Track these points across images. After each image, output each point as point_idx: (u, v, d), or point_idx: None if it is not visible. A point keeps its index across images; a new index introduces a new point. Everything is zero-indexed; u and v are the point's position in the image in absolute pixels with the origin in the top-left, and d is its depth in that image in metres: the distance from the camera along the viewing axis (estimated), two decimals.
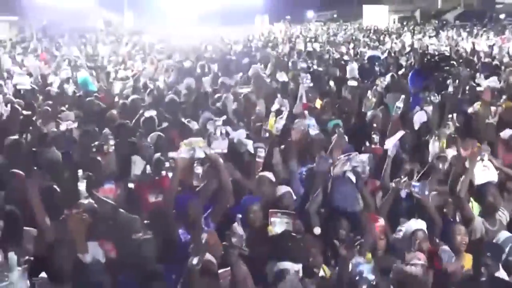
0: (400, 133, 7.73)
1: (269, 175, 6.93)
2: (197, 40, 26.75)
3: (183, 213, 5.82)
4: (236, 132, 7.45)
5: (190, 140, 6.02)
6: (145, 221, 6.13)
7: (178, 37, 28.35)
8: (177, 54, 21.09)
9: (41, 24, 35.00)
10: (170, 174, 6.73)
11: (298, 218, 6.09)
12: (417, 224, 6.01)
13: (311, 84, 11.29)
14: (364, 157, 6.62)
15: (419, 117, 9.59)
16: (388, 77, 13.20)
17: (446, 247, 6.11)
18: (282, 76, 13.01)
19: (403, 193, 6.62)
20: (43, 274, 4.44)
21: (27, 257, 4.24)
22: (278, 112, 9.82)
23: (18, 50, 27.69)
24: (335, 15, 51.12)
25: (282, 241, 5.22)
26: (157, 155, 7.49)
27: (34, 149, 8.33)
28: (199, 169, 7.35)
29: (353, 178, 6.35)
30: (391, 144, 7.50)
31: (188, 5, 38.12)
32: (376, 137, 8.51)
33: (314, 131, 8.89)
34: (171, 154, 6.10)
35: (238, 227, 4.92)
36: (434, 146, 8.26)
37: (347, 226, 5.99)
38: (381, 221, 6.29)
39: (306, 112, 9.97)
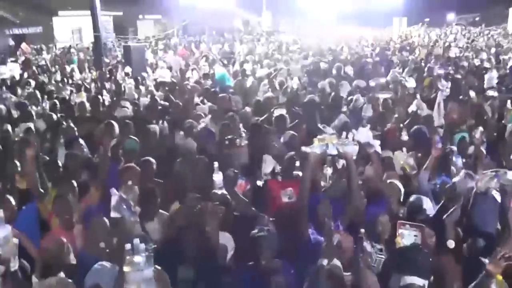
0: None
1: (399, 184, 6.69)
2: (334, 41, 26.58)
3: (313, 212, 5.74)
4: (363, 132, 7.23)
5: (324, 136, 5.89)
6: (272, 219, 6.12)
7: (315, 38, 28.32)
8: (313, 55, 21.09)
9: (182, 23, 36.48)
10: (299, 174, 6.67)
11: (427, 231, 5.80)
12: None
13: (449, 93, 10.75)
14: None
15: None
16: None
17: None
18: (411, 82, 12.51)
19: None
20: None
21: (151, 244, 4.36)
22: (415, 116, 9.56)
23: (160, 46, 29.09)
24: (477, 18, 48.58)
25: (410, 254, 4.98)
26: (290, 153, 7.45)
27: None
28: (329, 170, 7.27)
29: (498, 197, 5.90)
30: None
31: (325, 6, 38.01)
32: None
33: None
34: (304, 148, 5.99)
35: (367, 244, 4.79)
36: None
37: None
38: None
39: None
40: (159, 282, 3.89)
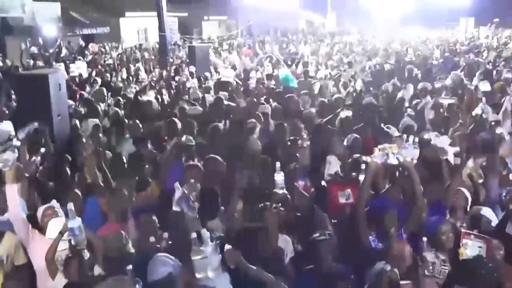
0: None
1: (466, 192, 6.47)
2: (399, 42, 26.17)
3: (377, 219, 5.64)
4: (439, 138, 7.07)
5: (384, 145, 5.83)
6: (333, 221, 6.05)
7: (379, 39, 27.97)
8: (378, 56, 20.82)
9: (247, 24, 36.70)
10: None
11: (495, 243, 5.57)
12: None
13: None
14: None
15: None
16: None
17: None
18: (485, 86, 12.12)
19: None
20: None
21: (218, 234, 4.47)
22: (480, 119, 9.26)
23: (224, 46, 29.34)
24: None
25: (473, 266, 4.80)
26: (355, 156, 7.35)
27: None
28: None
29: None
30: None
31: (391, 6, 37.48)
32: None
33: None
34: (364, 158, 5.94)
35: (429, 254, 4.68)
36: None
37: None
38: None
39: None
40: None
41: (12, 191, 5.33)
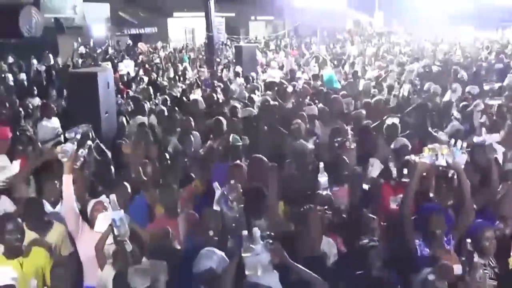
0: None
1: None
2: (447, 43, 25.72)
3: (423, 223, 5.47)
4: (489, 136, 6.88)
5: (435, 145, 5.69)
6: (383, 223, 5.96)
7: (427, 39, 27.55)
8: (425, 57, 20.50)
9: (294, 24, 36.67)
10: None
11: None
12: None
13: None
14: None
15: None
16: None
17: None
18: None
19: None
20: None
21: (268, 232, 4.51)
22: None
23: (271, 46, 29.38)
24: None
25: None
26: (407, 158, 7.19)
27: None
28: None
29: None
30: None
31: (440, 6, 36.77)
32: None
33: None
34: (412, 157, 5.82)
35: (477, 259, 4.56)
36: None
37: None
38: None
39: None
40: None
41: (69, 181, 5.44)
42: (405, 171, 6.61)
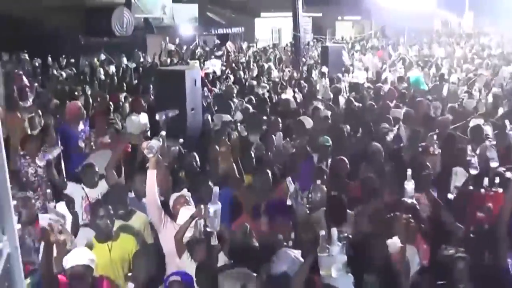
0: None
1: None
2: None
3: None
4: None
5: None
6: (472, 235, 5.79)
7: None
8: None
9: (381, 24, 36.12)
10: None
11: None
12: None
13: None
14: None
15: None
16: None
17: None
18: None
19: None
20: None
21: (346, 234, 4.52)
22: None
23: (357, 47, 29.07)
24: None
25: None
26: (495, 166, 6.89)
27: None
28: None
29: None
30: None
31: None
32: None
33: None
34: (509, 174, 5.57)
35: None
36: None
37: None
38: None
39: None
40: None
41: (152, 176, 5.62)
42: (497, 179, 6.34)
